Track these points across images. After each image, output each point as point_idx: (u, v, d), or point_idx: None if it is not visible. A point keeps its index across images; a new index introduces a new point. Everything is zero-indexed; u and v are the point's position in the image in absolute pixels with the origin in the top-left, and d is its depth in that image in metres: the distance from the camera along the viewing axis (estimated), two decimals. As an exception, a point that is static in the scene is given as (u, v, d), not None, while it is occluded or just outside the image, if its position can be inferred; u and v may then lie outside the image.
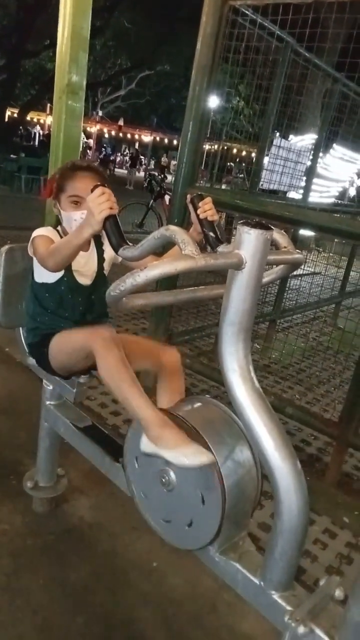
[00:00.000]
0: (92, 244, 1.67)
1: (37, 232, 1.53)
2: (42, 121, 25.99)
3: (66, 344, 1.56)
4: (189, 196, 1.41)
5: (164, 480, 1.28)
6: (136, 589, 1.71)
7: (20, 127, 20.99)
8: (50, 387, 1.79)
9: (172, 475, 1.27)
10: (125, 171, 24.47)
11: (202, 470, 1.19)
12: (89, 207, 1.19)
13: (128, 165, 22.03)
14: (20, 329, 1.83)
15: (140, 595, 1.69)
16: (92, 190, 1.19)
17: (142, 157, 25.99)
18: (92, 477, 2.09)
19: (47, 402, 1.81)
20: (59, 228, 1.60)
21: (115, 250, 1.17)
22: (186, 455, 1.19)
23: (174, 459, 1.20)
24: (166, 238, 1.03)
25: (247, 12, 2.51)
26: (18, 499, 1.96)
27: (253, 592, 1.19)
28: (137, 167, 20.06)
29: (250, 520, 1.37)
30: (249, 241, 1.05)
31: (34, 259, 1.56)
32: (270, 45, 2.85)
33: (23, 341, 1.83)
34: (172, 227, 1.03)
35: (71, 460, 2.08)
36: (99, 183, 1.22)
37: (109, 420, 2.68)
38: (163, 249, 1.32)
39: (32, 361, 1.74)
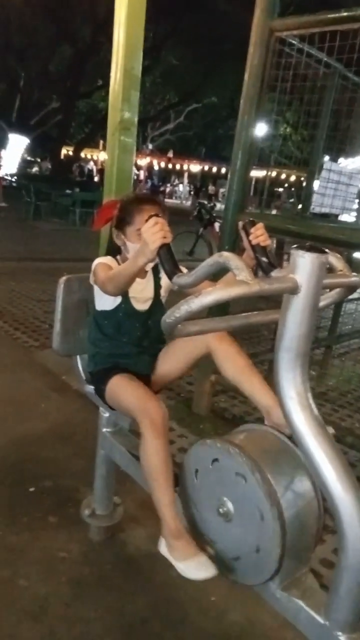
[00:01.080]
0: (150, 271, 1.71)
1: (97, 261, 1.61)
2: (95, 157, 27.12)
3: (119, 397, 1.60)
4: (240, 223, 1.42)
5: (221, 511, 1.26)
6: (194, 623, 1.66)
7: (75, 164, 21.99)
8: (107, 415, 1.81)
9: (230, 506, 1.24)
10: (177, 201, 24.99)
11: (262, 501, 1.16)
12: (143, 237, 1.22)
13: (191, 195, 22.19)
14: (78, 357, 1.88)
15: (199, 630, 1.64)
16: (146, 221, 1.23)
17: (209, 188, 26.38)
18: (148, 507, 2.06)
19: (104, 430, 1.83)
20: (118, 257, 1.66)
21: (170, 278, 1.18)
22: (190, 568, 1.30)
23: (181, 571, 1.32)
24: (220, 265, 1.04)
25: (293, 41, 2.54)
26: (75, 526, 1.98)
27: (318, 632, 1.13)
28: (202, 197, 20.20)
29: (312, 555, 1.31)
30: (303, 265, 1.04)
31: (95, 287, 1.62)
32: (317, 72, 2.86)
33: (80, 369, 1.87)
34: (226, 254, 1.03)
35: (127, 489, 2.08)
36: (152, 214, 1.25)
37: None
38: (213, 276, 1.33)
39: (89, 389, 1.77)
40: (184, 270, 1.23)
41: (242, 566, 1.25)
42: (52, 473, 2.34)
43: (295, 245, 1.08)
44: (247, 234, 1.38)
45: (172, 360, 1.73)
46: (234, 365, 1.56)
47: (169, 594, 1.76)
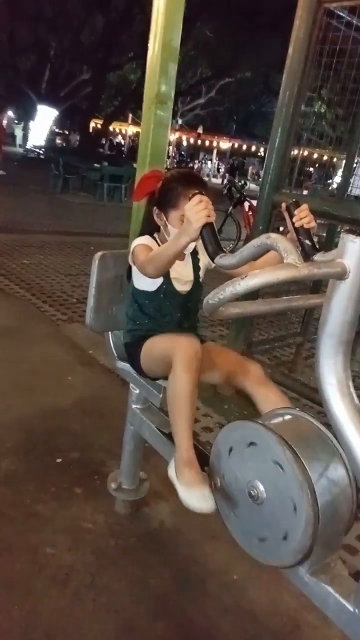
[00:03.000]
0: (188, 253, 1.68)
1: (137, 242, 1.58)
2: (123, 131, 26.86)
3: (154, 349, 1.60)
4: (284, 204, 1.38)
5: (252, 493, 1.25)
6: (216, 600, 1.69)
7: (104, 137, 21.83)
8: (137, 391, 1.82)
9: (262, 489, 1.24)
10: (205, 178, 24.62)
11: (296, 491, 1.15)
12: (186, 215, 1.20)
13: (225, 176, 21.68)
14: (110, 333, 1.88)
15: (220, 606, 1.67)
16: (189, 198, 1.20)
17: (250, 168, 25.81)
18: (172, 483, 2.10)
19: (134, 406, 1.84)
20: (155, 235, 1.63)
21: (212, 258, 1.16)
22: (192, 497, 1.33)
23: (182, 497, 1.36)
24: (267, 246, 1.01)
25: (342, 14, 2.43)
26: (101, 499, 2.01)
27: (346, 618, 1.13)
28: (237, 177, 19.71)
29: (343, 540, 1.30)
30: (353, 250, 1.00)
31: (133, 267, 1.61)
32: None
33: (112, 345, 1.88)
34: (274, 235, 1.01)
35: (152, 465, 2.10)
36: (197, 191, 1.22)
37: (194, 428, 2.68)
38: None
39: (120, 364, 1.78)
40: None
41: (268, 547, 1.25)
42: (79, 445, 2.37)
43: (345, 229, 1.05)
44: (291, 216, 1.35)
45: (205, 363, 1.65)
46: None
47: (192, 570, 1.79)
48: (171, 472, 1.44)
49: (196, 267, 1.70)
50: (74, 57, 19.58)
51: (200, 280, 1.71)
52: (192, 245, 1.56)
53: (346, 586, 1.18)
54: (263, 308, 1.24)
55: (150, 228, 1.64)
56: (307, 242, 1.31)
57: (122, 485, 1.95)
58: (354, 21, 2.46)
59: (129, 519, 1.97)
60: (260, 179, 2.80)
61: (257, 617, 1.65)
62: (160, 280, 1.60)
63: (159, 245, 1.57)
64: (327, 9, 2.33)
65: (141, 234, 1.64)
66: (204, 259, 1.68)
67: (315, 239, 1.32)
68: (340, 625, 1.16)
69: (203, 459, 1.45)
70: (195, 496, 1.33)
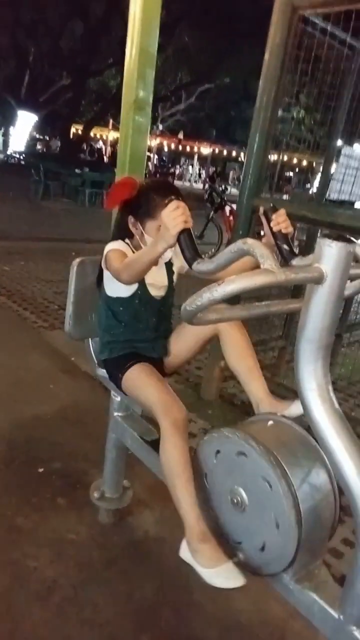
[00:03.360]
0: (164, 260, 1.66)
1: (110, 246, 1.54)
2: (104, 137, 26.79)
3: (139, 390, 1.56)
4: (261, 208, 1.38)
5: (235, 501, 1.24)
6: (201, 610, 1.66)
7: (85, 143, 21.76)
8: (118, 399, 1.80)
9: (244, 495, 1.23)
10: (187, 183, 24.65)
11: (277, 493, 1.14)
12: (164, 221, 1.18)
13: (207, 181, 21.60)
14: (90, 340, 1.86)
15: (206, 616, 1.65)
16: (166, 204, 1.19)
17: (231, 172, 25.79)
18: (157, 491, 2.07)
19: (115, 414, 1.82)
20: (128, 241, 1.60)
21: (190, 264, 1.15)
22: (218, 576, 1.23)
23: (207, 578, 1.25)
24: (244, 252, 1.00)
25: (316, 21, 2.46)
26: (84, 509, 1.98)
27: (331, 626, 1.12)
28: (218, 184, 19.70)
29: (327, 547, 1.30)
30: (330, 255, 1.00)
31: (106, 273, 1.58)
32: (339, 54, 2.77)
33: (92, 352, 1.85)
34: (250, 241, 1.00)
35: (136, 473, 2.07)
36: (173, 197, 1.21)
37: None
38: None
39: (101, 372, 1.76)
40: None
41: (250, 555, 1.24)
42: (61, 455, 2.34)
43: (322, 234, 1.05)
44: (269, 220, 1.34)
45: (183, 343, 1.72)
46: (238, 351, 1.57)
47: (177, 580, 1.76)
48: (185, 553, 1.33)
49: (170, 272, 1.68)
50: (53, 62, 19.51)
51: (173, 284, 1.70)
52: (169, 253, 1.54)
53: (331, 593, 1.17)
54: (242, 313, 1.23)
55: (122, 234, 1.60)
56: (285, 246, 1.31)
57: (105, 494, 1.93)
58: (328, 28, 2.49)
59: (113, 529, 1.94)
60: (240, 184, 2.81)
61: (243, 626, 1.63)
62: (135, 286, 1.58)
63: (133, 251, 1.55)
64: (302, 16, 2.35)
65: (113, 239, 1.59)
66: (177, 263, 1.67)
67: (296, 243, 1.32)
68: (325, 633, 1.15)
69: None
70: (223, 576, 1.23)
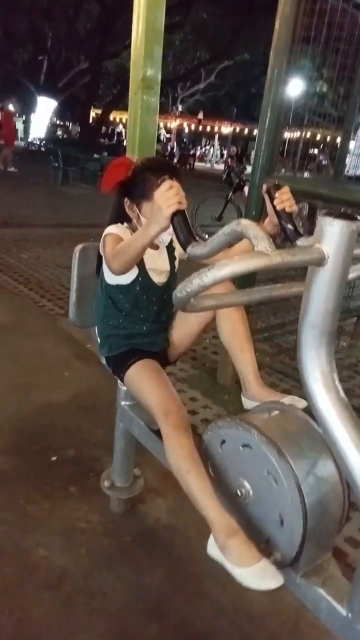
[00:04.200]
0: (164, 244, 1.60)
1: (108, 230, 1.47)
2: (124, 120, 26.58)
3: (140, 390, 1.52)
4: (264, 186, 1.31)
5: (239, 492, 1.20)
6: (212, 599, 1.64)
7: (103, 127, 21.62)
8: (124, 388, 1.76)
9: (248, 487, 1.19)
10: (207, 165, 24.26)
11: (282, 489, 1.09)
12: (156, 202, 1.13)
13: (228, 162, 21.07)
14: (96, 328, 1.82)
15: (217, 606, 1.62)
16: (159, 184, 1.13)
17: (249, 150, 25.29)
18: (169, 479, 2.03)
19: (122, 403, 1.79)
20: (126, 225, 1.54)
21: (184, 248, 1.09)
22: (253, 576, 1.10)
23: (239, 578, 1.13)
24: (237, 233, 0.94)
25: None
26: (96, 497, 1.97)
27: (339, 623, 1.08)
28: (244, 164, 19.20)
29: (335, 540, 1.25)
30: (331, 234, 0.93)
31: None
32: (355, 20, 2.62)
33: (98, 340, 1.82)
34: (244, 221, 0.93)
35: (148, 460, 2.05)
36: (166, 176, 1.15)
37: (192, 421, 2.62)
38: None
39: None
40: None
41: (270, 549, 1.19)
42: (75, 442, 2.33)
43: (324, 212, 0.98)
44: (272, 199, 1.27)
45: (185, 330, 1.67)
46: (232, 328, 1.53)
47: (188, 569, 1.74)
48: (213, 550, 1.21)
49: (172, 257, 1.62)
50: (70, 46, 19.34)
51: (175, 270, 1.63)
52: (168, 237, 1.48)
53: (339, 588, 1.12)
54: (241, 299, 1.17)
55: (120, 218, 1.54)
56: (289, 226, 1.24)
57: (115, 483, 1.91)
58: (342, -10, 2.35)
59: (124, 517, 1.92)
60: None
61: (254, 617, 1.60)
62: (135, 272, 1.52)
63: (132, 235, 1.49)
64: (314, -21, 2.22)
65: (110, 223, 1.52)
66: (179, 248, 1.61)
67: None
68: (333, 630, 1.11)
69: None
70: (258, 576, 1.10)
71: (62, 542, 1.76)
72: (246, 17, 15.41)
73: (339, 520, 1.17)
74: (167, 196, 1.11)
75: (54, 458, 2.21)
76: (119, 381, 1.79)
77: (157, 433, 1.63)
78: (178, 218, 1.11)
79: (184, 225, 1.11)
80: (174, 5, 15.10)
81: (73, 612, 1.52)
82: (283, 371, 2.87)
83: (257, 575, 1.10)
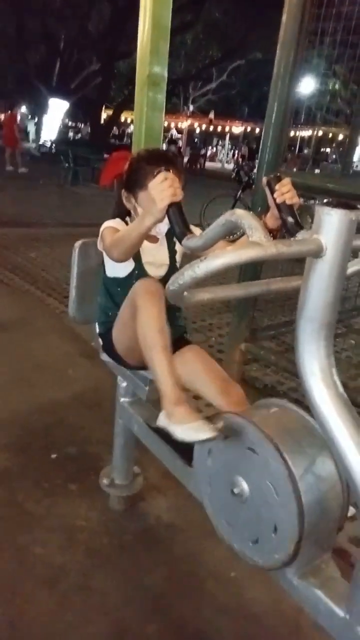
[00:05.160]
0: (163, 235, 1.58)
1: (105, 224, 1.49)
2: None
3: (121, 319, 1.53)
4: (265, 178, 1.28)
5: (236, 491, 1.17)
6: (213, 598, 1.61)
7: (115, 127, 21.66)
8: (124, 384, 1.75)
9: (245, 486, 1.16)
10: (218, 164, 24.20)
11: (283, 500, 1.06)
12: (151, 194, 1.11)
13: (239, 161, 20.93)
14: (97, 324, 1.81)
15: (218, 606, 1.59)
16: (154, 176, 1.11)
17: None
18: (170, 476, 2.00)
19: (122, 399, 1.77)
20: (127, 219, 1.54)
21: (179, 240, 1.07)
22: (190, 429, 1.23)
23: (179, 434, 1.25)
24: (232, 224, 0.92)
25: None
26: (96, 495, 1.95)
27: (337, 625, 1.05)
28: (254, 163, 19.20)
29: (335, 540, 1.21)
30: (329, 224, 0.90)
31: (104, 252, 1.52)
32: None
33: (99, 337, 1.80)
34: (238, 211, 0.91)
35: (149, 458, 2.02)
36: (162, 168, 1.13)
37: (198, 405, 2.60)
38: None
39: (105, 357, 1.71)
40: (197, 231, 1.11)
41: (260, 549, 1.17)
42: (77, 440, 2.32)
43: (322, 201, 0.95)
44: (272, 191, 1.25)
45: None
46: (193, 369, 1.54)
47: (188, 568, 1.72)
48: (161, 420, 1.32)
49: (172, 250, 1.60)
50: (82, 47, 19.40)
51: (177, 264, 1.61)
52: (164, 227, 1.46)
53: (338, 590, 1.09)
54: (238, 292, 1.15)
55: (120, 212, 1.55)
56: (290, 219, 1.21)
57: (114, 480, 1.89)
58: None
59: (124, 515, 1.90)
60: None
61: (256, 616, 1.58)
62: (131, 265, 1.51)
63: None
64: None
65: (112, 217, 1.54)
66: None
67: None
68: (332, 634, 1.08)
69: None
70: (193, 429, 1.23)
71: (61, 539, 1.75)
72: (258, 15, 15.32)
73: (338, 519, 1.14)
74: (161, 188, 1.09)
75: (54, 455, 2.20)
76: (118, 378, 1.78)
77: (157, 431, 1.61)
78: (173, 210, 1.09)
79: (179, 218, 1.09)
80: (185, 3, 15.10)
81: (70, 610, 1.50)
82: (289, 369, 2.83)
83: (193, 429, 1.23)
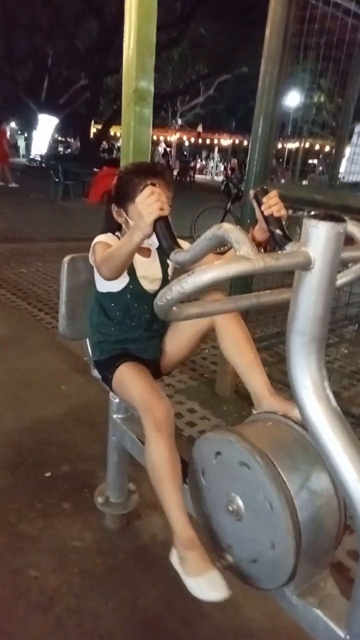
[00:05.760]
0: (155, 249, 1.57)
1: (97, 239, 1.47)
2: (124, 135, 26.75)
3: (125, 389, 1.49)
4: (251, 191, 1.28)
5: (231, 508, 1.15)
6: (210, 619, 1.58)
7: (104, 142, 21.80)
8: (117, 400, 1.73)
9: (240, 502, 1.14)
10: (207, 177, 24.38)
11: (277, 515, 1.04)
12: (137, 209, 1.10)
13: (227, 174, 21.07)
14: (88, 340, 1.79)
15: (215, 626, 1.56)
16: (140, 190, 1.10)
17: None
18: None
19: (114, 416, 1.75)
20: (118, 234, 1.53)
21: (167, 255, 1.06)
22: (200, 587, 1.19)
23: (192, 589, 1.21)
24: (219, 238, 0.91)
25: (319, -10, 2.32)
26: (90, 513, 1.92)
27: (336, 645, 1.02)
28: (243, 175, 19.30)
29: (333, 557, 1.19)
30: (317, 236, 0.89)
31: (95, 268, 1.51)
32: (346, 25, 2.61)
33: (90, 352, 1.78)
34: (225, 225, 0.90)
35: (144, 474, 2.00)
36: (148, 182, 1.12)
37: (185, 432, 2.58)
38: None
39: (96, 374, 1.69)
40: (186, 245, 1.10)
41: (257, 570, 1.14)
42: (70, 457, 2.29)
43: (309, 214, 0.94)
44: (259, 204, 1.25)
45: (179, 340, 1.63)
46: (236, 343, 1.44)
47: (184, 588, 1.67)
48: (174, 559, 1.27)
49: (164, 264, 1.59)
50: (70, 63, 19.58)
51: (169, 278, 1.60)
52: (156, 240, 1.45)
53: (337, 608, 1.07)
54: (228, 306, 1.14)
55: (110, 227, 1.54)
56: (278, 231, 1.20)
57: (109, 498, 1.86)
58: (331, -3, 2.34)
59: (119, 534, 1.87)
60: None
61: (254, 636, 1.55)
62: (126, 280, 1.50)
63: None
64: (303, -14, 2.22)
65: (102, 232, 1.52)
66: None
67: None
68: (331, 652, 1.05)
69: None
70: (205, 586, 1.18)
71: (54, 561, 1.71)
72: (244, 31, 15.58)
73: (335, 536, 1.12)
74: (148, 202, 1.08)
75: (48, 474, 2.16)
76: (110, 394, 1.76)
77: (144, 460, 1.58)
78: (160, 224, 1.09)
79: (167, 232, 1.08)
80: (172, 20, 15.32)
81: (64, 634, 1.47)
82: (283, 381, 2.81)
83: (205, 587, 1.18)
